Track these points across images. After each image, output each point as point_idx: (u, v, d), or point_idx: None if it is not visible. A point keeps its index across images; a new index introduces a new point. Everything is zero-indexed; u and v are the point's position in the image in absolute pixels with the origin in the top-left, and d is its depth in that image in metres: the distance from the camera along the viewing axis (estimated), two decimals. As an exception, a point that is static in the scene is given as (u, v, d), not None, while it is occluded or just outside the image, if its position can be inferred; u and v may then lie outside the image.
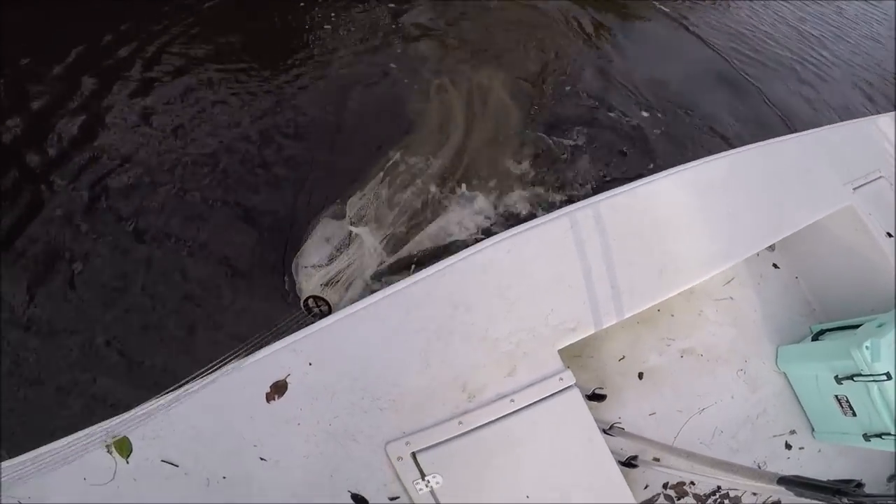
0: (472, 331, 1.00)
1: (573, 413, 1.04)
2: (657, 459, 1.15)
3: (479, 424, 1.00)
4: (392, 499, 1.02)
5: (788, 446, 1.34)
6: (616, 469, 1.06)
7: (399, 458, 0.99)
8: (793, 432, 1.34)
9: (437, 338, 0.99)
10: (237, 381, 0.97)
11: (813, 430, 1.36)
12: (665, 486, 1.23)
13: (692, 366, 1.33)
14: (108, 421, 1.00)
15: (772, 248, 1.44)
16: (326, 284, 1.50)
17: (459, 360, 0.99)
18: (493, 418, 1.00)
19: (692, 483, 1.28)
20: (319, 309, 1.42)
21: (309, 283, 1.56)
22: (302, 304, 1.47)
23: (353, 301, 1.08)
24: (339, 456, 1.00)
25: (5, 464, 1.02)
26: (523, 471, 1.05)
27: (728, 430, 1.34)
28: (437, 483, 1.00)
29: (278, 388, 0.95)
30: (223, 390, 0.97)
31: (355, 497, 1.02)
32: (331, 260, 1.66)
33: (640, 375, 1.30)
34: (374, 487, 1.01)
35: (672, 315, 1.32)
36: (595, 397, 1.12)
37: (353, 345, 0.98)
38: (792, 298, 1.40)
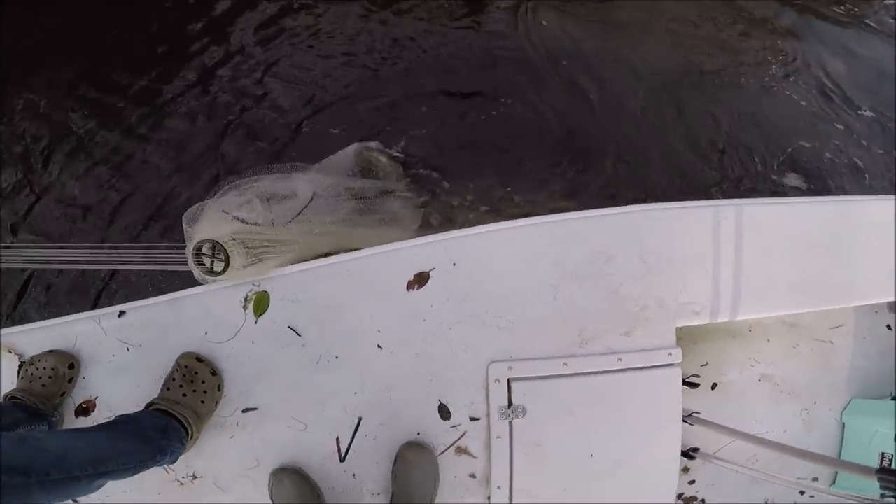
0: (606, 282, 1.03)
1: (667, 390, 1.07)
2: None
3: (581, 371, 1.04)
4: (472, 419, 1.07)
5: (801, 492, 1.34)
6: (677, 457, 1.10)
7: (496, 381, 1.05)
8: (815, 479, 1.35)
9: (571, 277, 1.03)
10: (386, 262, 1.03)
11: (834, 482, 1.37)
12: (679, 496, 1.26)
13: (765, 392, 1.35)
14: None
15: (892, 307, 1.44)
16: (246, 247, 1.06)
17: (584, 305, 1.03)
18: (596, 370, 1.04)
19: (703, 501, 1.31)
20: (212, 260, 1.04)
21: (218, 229, 1.07)
22: (194, 246, 1.06)
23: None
24: (444, 363, 1.06)
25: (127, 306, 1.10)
26: (599, 429, 1.09)
27: (763, 459, 1.36)
28: (517, 418, 1.04)
29: (420, 279, 1.01)
30: (370, 268, 1.03)
31: (441, 408, 1.07)
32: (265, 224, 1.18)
33: (714, 386, 1.32)
34: (462, 402, 1.07)
35: (768, 340, 1.33)
36: (689, 384, 1.15)
37: (495, 259, 1.03)
38: (891, 362, 1.40)
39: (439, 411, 1.07)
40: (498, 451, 1.06)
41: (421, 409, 1.07)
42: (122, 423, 0.96)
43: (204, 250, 1.04)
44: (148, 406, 1.03)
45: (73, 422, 1.14)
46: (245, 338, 1.08)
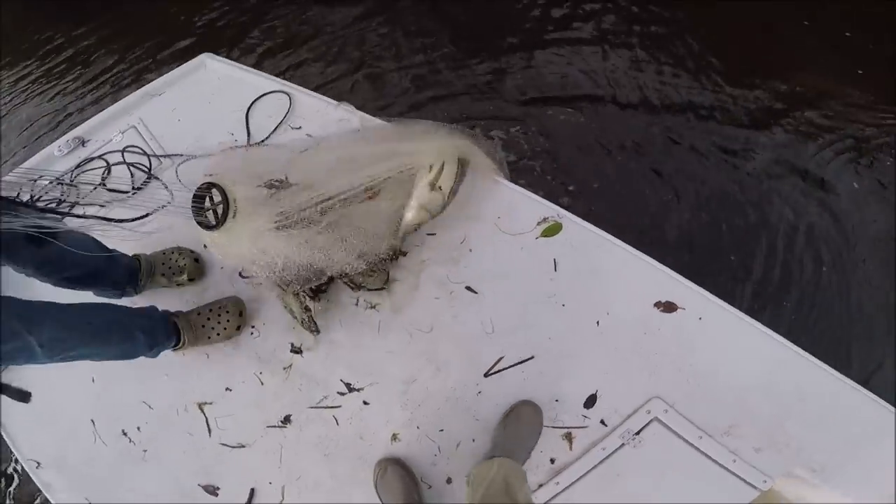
0: (786, 412, 1.16)
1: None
2: None
3: (705, 451, 1.16)
4: (601, 422, 1.22)
5: None
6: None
7: (647, 411, 1.18)
8: None
9: (765, 392, 1.16)
10: (654, 275, 1.19)
11: None
12: None
13: None
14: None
15: None
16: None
17: (756, 414, 1.16)
18: (709, 456, 1.17)
19: None
20: (212, 208, 0.99)
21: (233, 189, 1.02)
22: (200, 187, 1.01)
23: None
24: (627, 370, 1.20)
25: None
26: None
27: None
28: (630, 445, 1.19)
29: (668, 307, 1.17)
30: (638, 269, 1.19)
31: (591, 397, 1.24)
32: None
33: None
34: (609, 405, 1.22)
35: None
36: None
37: (730, 341, 1.16)
38: None
39: (588, 397, 1.25)
40: (592, 456, 1.21)
41: (579, 385, 1.23)
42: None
43: (212, 196, 1.01)
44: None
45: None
46: (524, 244, 1.25)
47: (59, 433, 1.43)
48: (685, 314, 1.16)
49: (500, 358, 1.29)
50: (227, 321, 1.33)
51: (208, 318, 1.31)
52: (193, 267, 1.39)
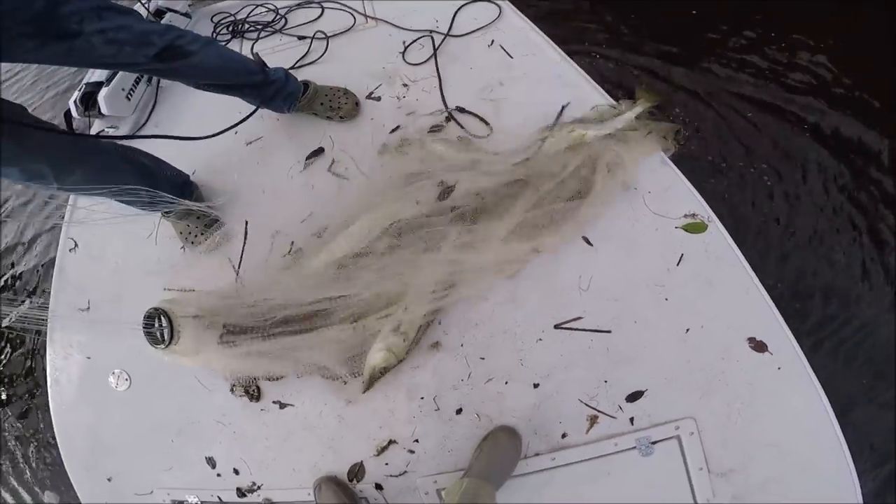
0: None
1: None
2: None
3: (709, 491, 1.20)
4: (631, 419, 1.22)
5: None
6: None
7: (676, 427, 1.19)
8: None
9: None
10: (759, 307, 1.19)
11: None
12: None
13: None
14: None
15: None
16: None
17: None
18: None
19: None
20: (160, 330, 1.20)
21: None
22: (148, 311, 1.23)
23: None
24: (690, 376, 1.20)
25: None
26: None
27: None
28: (642, 453, 1.20)
29: (759, 346, 1.18)
30: (752, 295, 1.19)
31: (636, 393, 1.23)
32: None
33: None
34: (648, 408, 1.21)
35: None
36: None
37: (790, 402, 1.19)
38: None
39: (634, 392, 1.22)
40: (599, 447, 1.20)
41: (633, 378, 1.21)
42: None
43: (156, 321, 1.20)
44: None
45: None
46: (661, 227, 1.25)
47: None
48: (769, 359, 1.18)
49: (579, 318, 1.24)
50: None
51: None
52: (351, 109, 1.55)
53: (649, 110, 1.38)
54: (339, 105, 1.54)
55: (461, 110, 1.54)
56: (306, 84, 1.54)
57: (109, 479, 1.53)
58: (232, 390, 1.41)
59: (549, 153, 1.36)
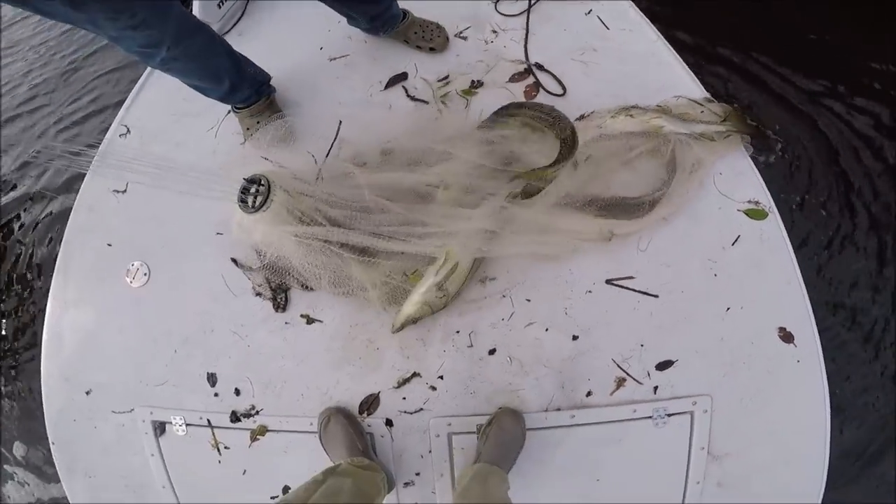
0: None
1: None
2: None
3: None
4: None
5: None
6: None
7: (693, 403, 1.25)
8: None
9: None
10: (786, 301, 1.24)
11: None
12: None
13: None
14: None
15: None
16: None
17: None
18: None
19: None
20: (254, 195, 1.14)
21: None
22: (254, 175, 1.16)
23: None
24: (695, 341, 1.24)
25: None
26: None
27: None
28: (657, 424, 1.23)
29: (786, 336, 1.24)
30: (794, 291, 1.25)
31: (664, 362, 1.24)
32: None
33: None
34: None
35: None
36: None
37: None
38: None
39: (665, 361, 1.24)
40: (619, 411, 1.21)
41: (669, 346, 1.23)
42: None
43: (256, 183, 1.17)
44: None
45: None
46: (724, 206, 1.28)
47: None
48: (793, 351, 1.24)
49: (632, 277, 1.25)
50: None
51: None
52: (442, 42, 1.60)
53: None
54: (432, 37, 1.60)
55: (539, 67, 1.52)
56: (405, 12, 1.61)
57: (88, 392, 1.35)
58: (259, 294, 1.28)
59: (615, 131, 1.36)
